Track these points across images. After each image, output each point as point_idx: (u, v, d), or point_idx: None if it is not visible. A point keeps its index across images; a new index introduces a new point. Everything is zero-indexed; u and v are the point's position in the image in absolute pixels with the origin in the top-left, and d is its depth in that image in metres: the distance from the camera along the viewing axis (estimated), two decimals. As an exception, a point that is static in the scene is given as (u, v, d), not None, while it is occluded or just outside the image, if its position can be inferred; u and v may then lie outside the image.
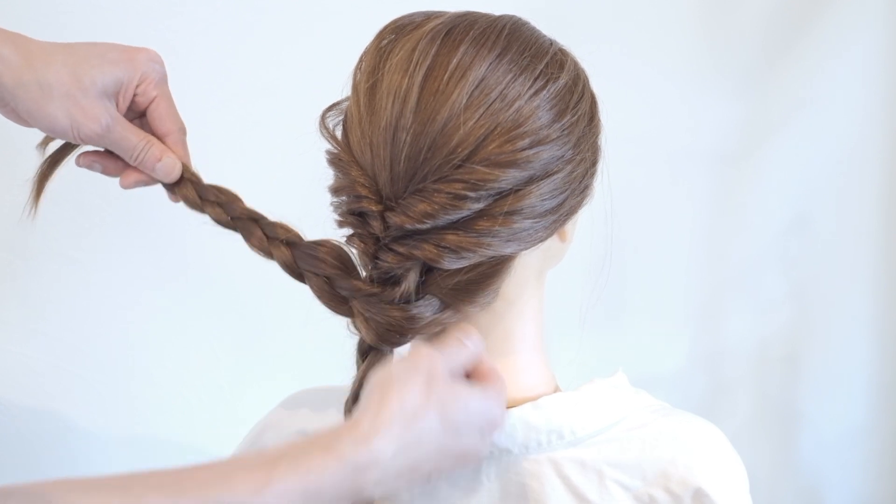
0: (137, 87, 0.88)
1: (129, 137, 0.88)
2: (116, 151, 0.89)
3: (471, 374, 0.80)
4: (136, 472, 0.69)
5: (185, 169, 0.89)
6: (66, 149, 0.92)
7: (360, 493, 0.72)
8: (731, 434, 0.84)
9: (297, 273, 0.83)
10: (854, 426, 1.77)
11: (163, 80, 0.90)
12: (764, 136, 1.65)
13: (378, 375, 0.76)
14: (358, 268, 0.82)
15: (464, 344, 0.79)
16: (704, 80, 1.60)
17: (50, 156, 0.92)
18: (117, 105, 0.88)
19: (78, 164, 0.92)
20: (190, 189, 0.88)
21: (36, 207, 0.93)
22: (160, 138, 0.89)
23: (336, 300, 0.82)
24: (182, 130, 0.90)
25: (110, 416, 1.32)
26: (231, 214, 0.87)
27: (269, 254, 0.84)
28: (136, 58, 0.88)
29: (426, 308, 0.80)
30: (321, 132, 0.83)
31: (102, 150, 0.90)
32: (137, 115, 0.90)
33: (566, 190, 0.78)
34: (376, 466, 0.71)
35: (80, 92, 0.86)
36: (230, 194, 0.88)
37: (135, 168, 0.89)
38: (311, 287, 0.83)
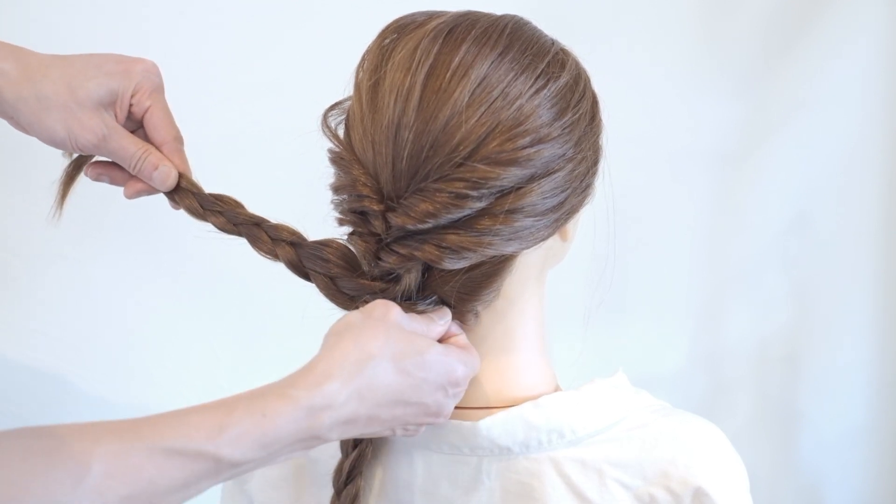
0: (132, 97, 0.89)
1: (127, 147, 0.89)
2: (116, 161, 0.91)
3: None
4: (94, 421, 0.70)
5: (184, 178, 0.90)
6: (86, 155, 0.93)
7: (316, 438, 0.73)
8: (731, 434, 0.84)
9: (303, 272, 0.84)
10: (854, 426, 1.77)
11: (157, 90, 0.91)
12: (764, 136, 1.65)
13: (336, 325, 0.77)
14: (363, 265, 0.82)
15: (433, 320, 0.80)
16: (704, 80, 1.60)
17: (73, 160, 0.94)
18: (115, 116, 0.90)
19: (87, 174, 0.93)
20: (191, 199, 0.89)
21: (61, 211, 0.94)
22: (157, 148, 0.90)
23: (342, 297, 0.83)
24: (177, 139, 0.91)
25: (110, 416, 1.32)
26: (234, 221, 0.87)
27: (275, 256, 0.85)
28: (131, 69, 0.89)
29: (430, 307, 0.80)
30: (323, 131, 0.83)
31: (109, 160, 0.92)
32: (137, 125, 0.92)
33: (567, 188, 0.79)
34: (330, 409, 0.72)
35: (75, 104, 0.87)
36: (231, 202, 0.88)
37: (137, 178, 0.91)
38: (318, 285, 0.83)
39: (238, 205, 0.88)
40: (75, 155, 0.93)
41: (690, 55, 1.59)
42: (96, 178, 0.93)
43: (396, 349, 0.75)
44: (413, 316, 0.79)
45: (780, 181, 1.66)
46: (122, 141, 0.89)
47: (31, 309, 1.30)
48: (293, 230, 0.85)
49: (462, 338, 0.82)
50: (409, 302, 0.80)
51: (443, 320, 0.80)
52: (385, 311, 0.77)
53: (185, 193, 0.90)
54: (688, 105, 1.60)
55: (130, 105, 0.90)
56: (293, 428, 0.72)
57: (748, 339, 1.70)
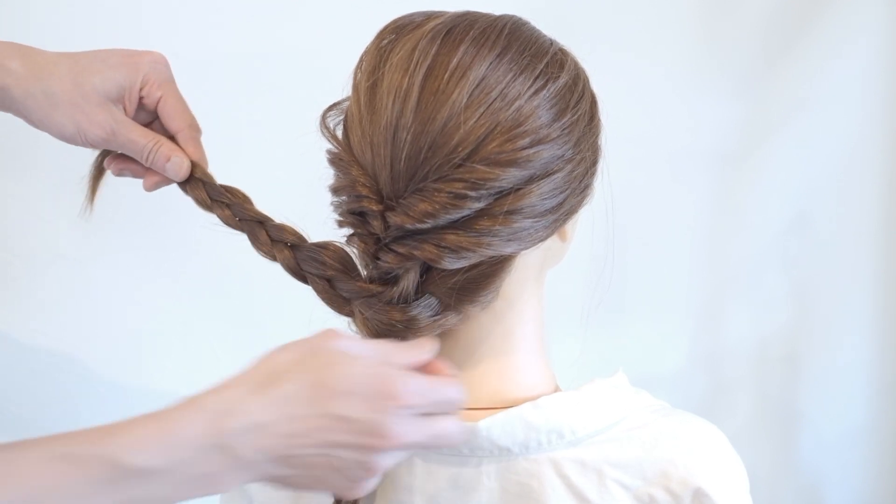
0: (141, 89, 0.90)
1: (136, 140, 0.89)
2: (129, 154, 0.91)
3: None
4: None
5: (196, 168, 0.90)
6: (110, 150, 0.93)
7: (229, 448, 0.68)
8: (731, 434, 0.84)
9: (300, 275, 0.84)
10: (854, 426, 1.77)
11: (167, 80, 0.91)
12: (764, 136, 1.65)
13: (269, 350, 0.73)
14: (360, 268, 0.82)
15: (412, 347, 0.75)
16: (704, 80, 1.60)
17: (99, 155, 0.94)
18: (125, 109, 0.90)
19: (108, 168, 0.93)
20: (200, 189, 0.89)
21: (92, 205, 0.94)
22: (172, 137, 0.90)
23: (338, 301, 0.82)
24: (192, 127, 0.91)
25: (111, 416, 1.32)
26: (238, 216, 0.87)
27: (273, 257, 0.85)
28: (138, 61, 0.90)
29: (425, 309, 0.80)
30: (322, 132, 0.83)
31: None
32: (152, 116, 0.92)
33: (566, 189, 0.79)
34: (233, 415, 0.68)
35: (82, 99, 0.88)
36: (241, 196, 0.88)
37: (153, 170, 0.91)
38: (314, 288, 0.83)
39: (247, 200, 0.88)
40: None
41: (690, 55, 1.59)
42: (119, 174, 0.93)
43: (319, 362, 0.70)
44: (381, 342, 0.75)
45: (780, 181, 1.66)
46: (131, 134, 0.89)
47: (31, 309, 1.30)
48: (296, 232, 0.85)
49: (447, 369, 0.76)
50: (404, 305, 0.80)
51: (425, 349, 0.75)
52: (326, 337, 0.72)
53: (195, 183, 0.90)
54: (688, 105, 1.60)
55: (141, 97, 0.90)
56: (194, 431, 0.67)
57: (748, 339, 1.70)
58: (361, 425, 0.70)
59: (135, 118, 0.91)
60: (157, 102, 0.90)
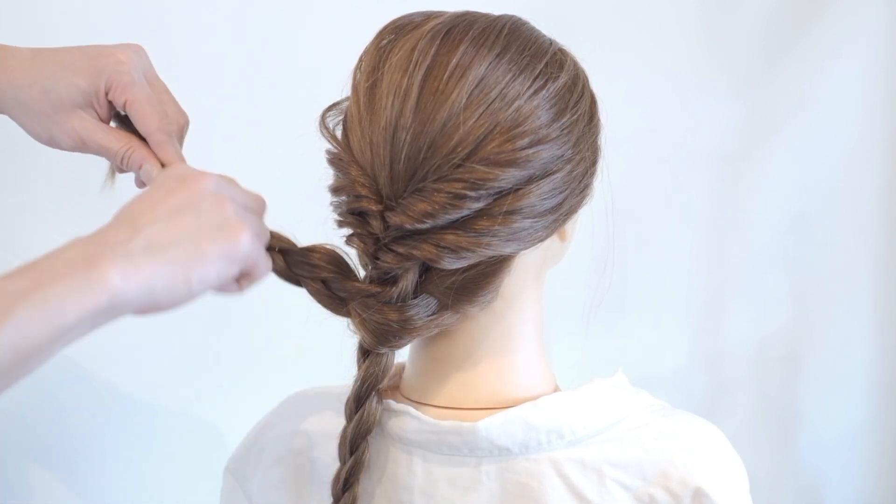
0: (107, 94, 0.86)
1: (108, 146, 0.86)
2: (106, 159, 0.88)
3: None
4: None
5: None
6: None
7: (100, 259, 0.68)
8: (731, 434, 0.84)
9: (294, 279, 0.83)
10: (854, 426, 1.77)
11: (131, 83, 0.86)
12: (764, 136, 1.65)
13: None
14: (354, 268, 0.82)
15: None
16: (704, 80, 1.60)
17: None
18: (98, 114, 0.87)
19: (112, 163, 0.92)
20: None
21: (112, 184, 0.92)
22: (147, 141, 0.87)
23: (335, 302, 0.82)
24: (160, 130, 0.86)
25: (110, 415, 1.32)
26: None
27: None
28: (101, 65, 0.86)
29: (423, 308, 0.80)
30: (321, 132, 0.83)
31: None
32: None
33: (566, 189, 0.79)
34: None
35: (50, 108, 0.85)
36: None
37: None
38: (309, 291, 0.82)
39: None
40: None
41: (690, 55, 1.59)
42: (121, 171, 0.91)
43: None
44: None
45: (780, 181, 1.66)
46: (102, 141, 0.86)
47: (30, 309, 1.30)
48: (282, 236, 0.84)
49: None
50: (401, 305, 0.79)
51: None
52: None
53: None
54: (687, 105, 1.60)
55: (109, 101, 0.86)
56: (69, 262, 0.68)
57: (748, 339, 1.70)
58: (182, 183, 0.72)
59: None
60: (125, 107, 0.86)
